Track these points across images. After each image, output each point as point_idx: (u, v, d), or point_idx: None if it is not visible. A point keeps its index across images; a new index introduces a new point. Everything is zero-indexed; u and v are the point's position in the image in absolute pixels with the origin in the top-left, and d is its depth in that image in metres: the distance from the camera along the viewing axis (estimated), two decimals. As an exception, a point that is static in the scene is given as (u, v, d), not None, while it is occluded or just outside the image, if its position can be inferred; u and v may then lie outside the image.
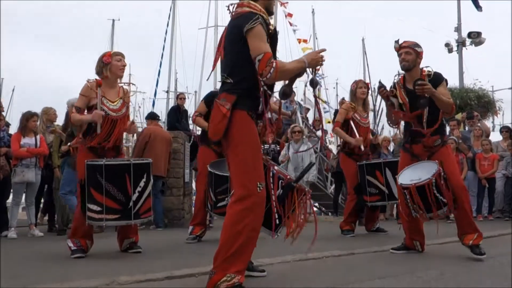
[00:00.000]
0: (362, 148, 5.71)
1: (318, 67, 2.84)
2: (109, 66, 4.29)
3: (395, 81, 4.38)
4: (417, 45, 4.24)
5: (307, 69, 2.83)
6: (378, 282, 3.14)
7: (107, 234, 5.58)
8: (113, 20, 31.37)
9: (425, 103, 4.07)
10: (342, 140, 6.00)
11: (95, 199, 3.98)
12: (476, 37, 13.72)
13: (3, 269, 3.47)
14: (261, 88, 2.80)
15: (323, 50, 2.87)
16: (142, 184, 4.07)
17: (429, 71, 4.20)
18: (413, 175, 4.09)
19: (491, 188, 8.48)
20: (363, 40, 34.66)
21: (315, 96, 3.01)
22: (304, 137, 8.02)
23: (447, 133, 4.40)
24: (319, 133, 11.95)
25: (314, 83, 2.92)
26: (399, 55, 4.24)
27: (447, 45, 14.28)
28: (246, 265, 2.77)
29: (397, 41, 4.27)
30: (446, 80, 4.27)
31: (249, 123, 2.79)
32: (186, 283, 3.09)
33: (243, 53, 2.76)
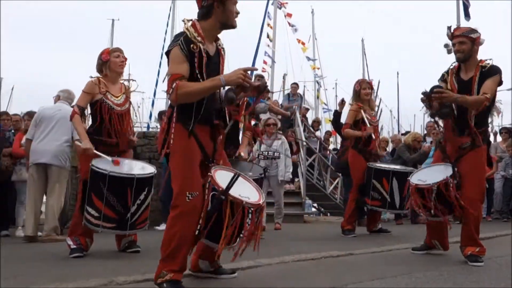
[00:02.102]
0: (374, 136, 5.67)
1: (262, 91, 2.95)
2: (108, 64, 4.29)
3: (450, 67, 4.03)
4: (472, 31, 3.86)
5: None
6: (376, 282, 3.14)
7: (106, 234, 5.57)
8: (113, 20, 31.32)
9: (447, 113, 3.78)
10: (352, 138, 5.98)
11: (95, 205, 3.97)
12: (475, 38, 13.68)
13: (2, 269, 3.46)
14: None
15: (251, 69, 2.91)
16: (142, 197, 4.04)
17: (486, 64, 3.83)
18: (426, 176, 3.98)
19: (490, 189, 8.47)
20: (362, 40, 34.65)
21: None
22: (278, 131, 7.25)
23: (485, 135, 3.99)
24: (318, 133, 11.97)
25: (256, 110, 2.93)
26: (452, 45, 3.88)
27: (446, 45, 14.20)
28: (181, 265, 2.87)
29: (449, 28, 3.90)
30: (500, 74, 3.83)
31: (183, 134, 2.84)
32: (184, 283, 3.08)
33: None
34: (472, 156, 3.86)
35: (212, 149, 3.00)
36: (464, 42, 3.82)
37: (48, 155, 5.35)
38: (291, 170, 6.91)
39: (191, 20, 2.92)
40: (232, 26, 2.95)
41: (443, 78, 4.02)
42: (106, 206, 3.94)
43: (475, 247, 3.84)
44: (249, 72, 2.82)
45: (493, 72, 3.81)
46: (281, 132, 7.25)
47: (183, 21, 2.93)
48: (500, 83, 3.89)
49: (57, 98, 5.76)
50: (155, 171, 4.23)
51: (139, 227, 4.14)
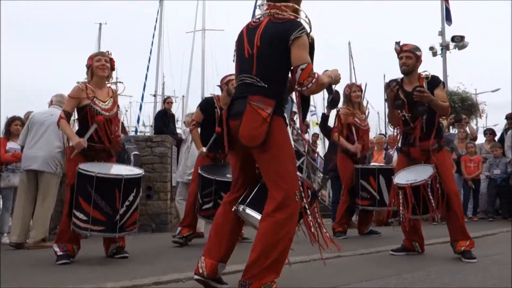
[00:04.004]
0: (358, 155, 5.77)
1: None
2: (91, 69, 4.31)
3: (398, 80, 4.33)
4: (418, 49, 4.24)
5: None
6: (365, 284, 3.16)
7: (93, 240, 5.52)
8: (100, 24, 31.23)
9: (423, 110, 4.08)
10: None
11: (83, 208, 3.94)
12: (459, 41, 13.90)
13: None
14: (298, 99, 2.84)
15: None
16: (131, 198, 4.03)
17: (426, 75, 4.23)
18: (409, 176, 4.14)
19: (475, 190, 8.60)
20: (349, 43, 34.93)
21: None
22: None
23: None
24: (306, 136, 12.00)
25: (334, 101, 3.01)
26: (399, 58, 4.22)
27: (431, 48, 14.45)
28: (279, 274, 2.71)
29: (398, 43, 4.24)
30: (443, 83, 4.32)
31: (287, 130, 2.77)
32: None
33: (284, 60, 2.73)
34: (441, 156, 4.21)
35: None
36: (411, 57, 4.19)
37: (38, 161, 5.30)
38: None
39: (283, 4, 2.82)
40: (302, 17, 2.87)
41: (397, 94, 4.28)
42: (94, 208, 3.91)
43: (465, 240, 4.00)
44: None
45: (438, 81, 4.24)
46: None
47: (293, 7, 2.82)
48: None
49: (50, 103, 5.72)
50: (143, 173, 4.26)
51: (129, 229, 4.12)
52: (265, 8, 2.92)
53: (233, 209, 2.88)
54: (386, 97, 4.26)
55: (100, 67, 4.29)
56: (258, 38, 2.77)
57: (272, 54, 2.74)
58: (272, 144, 2.68)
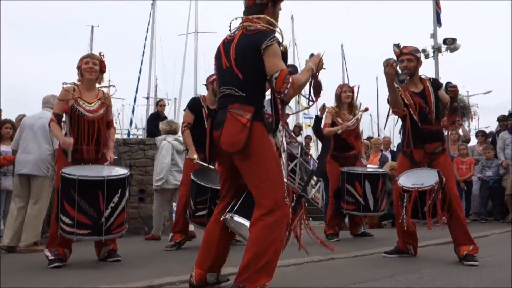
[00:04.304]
0: (350, 123, 5.74)
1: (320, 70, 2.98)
2: (80, 71, 4.31)
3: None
4: (417, 51, 4.25)
5: None
6: (358, 286, 3.17)
7: (86, 243, 5.49)
8: (92, 27, 31.15)
9: (457, 107, 4.14)
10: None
11: (68, 212, 3.90)
12: (451, 43, 13.99)
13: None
14: (278, 106, 2.89)
15: (323, 54, 2.97)
16: (115, 199, 3.96)
17: (426, 76, 4.26)
18: (414, 179, 4.05)
19: (467, 192, 8.65)
20: (342, 46, 35.06)
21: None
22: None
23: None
24: (299, 138, 12.03)
25: (317, 87, 2.98)
26: (400, 61, 4.13)
27: (423, 51, 14.52)
28: (272, 277, 2.74)
29: (397, 45, 4.17)
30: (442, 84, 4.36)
31: (267, 135, 2.82)
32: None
33: (258, 70, 2.80)
34: (443, 159, 4.18)
35: None
36: (412, 59, 4.16)
37: (29, 165, 5.27)
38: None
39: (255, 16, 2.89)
40: (275, 28, 2.94)
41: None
42: (79, 212, 3.86)
43: (469, 245, 3.96)
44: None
45: (439, 83, 4.31)
46: None
47: (265, 19, 2.89)
48: None
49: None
50: (128, 173, 4.18)
51: (116, 231, 4.05)
52: (239, 22, 3.01)
53: (221, 219, 2.92)
54: (385, 77, 3.97)
55: (88, 69, 4.27)
56: (233, 51, 2.86)
57: (247, 65, 2.82)
58: (253, 148, 2.73)
